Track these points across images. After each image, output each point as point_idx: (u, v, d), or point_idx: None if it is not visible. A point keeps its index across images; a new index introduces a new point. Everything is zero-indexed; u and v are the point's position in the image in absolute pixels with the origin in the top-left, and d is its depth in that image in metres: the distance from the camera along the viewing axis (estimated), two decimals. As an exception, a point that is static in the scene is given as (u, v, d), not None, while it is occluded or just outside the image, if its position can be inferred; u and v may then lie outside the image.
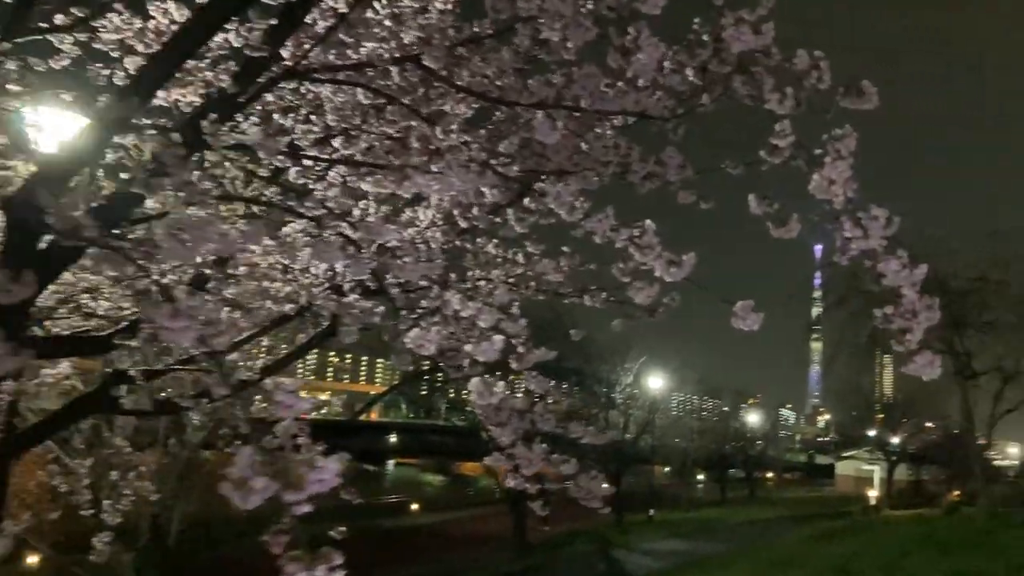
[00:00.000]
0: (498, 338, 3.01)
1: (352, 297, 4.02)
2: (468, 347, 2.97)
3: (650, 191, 3.06)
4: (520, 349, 3.49)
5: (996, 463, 65.26)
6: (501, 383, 2.98)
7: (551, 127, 2.75)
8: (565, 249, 4.22)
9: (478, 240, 4.82)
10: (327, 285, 4.38)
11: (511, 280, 5.00)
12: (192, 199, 2.35)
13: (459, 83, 3.18)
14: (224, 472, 1.57)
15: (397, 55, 3.24)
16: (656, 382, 48.05)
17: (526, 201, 3.21)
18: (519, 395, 3.59)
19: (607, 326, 3.86)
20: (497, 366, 3.26)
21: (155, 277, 1.71)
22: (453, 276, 4.05)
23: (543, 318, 22.21)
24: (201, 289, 4.35)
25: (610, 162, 3.07)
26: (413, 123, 3.24)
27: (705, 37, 2.70)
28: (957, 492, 47.94)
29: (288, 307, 5.03)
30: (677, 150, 3.00)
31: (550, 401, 3.66)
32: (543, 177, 3.14)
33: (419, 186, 2.91)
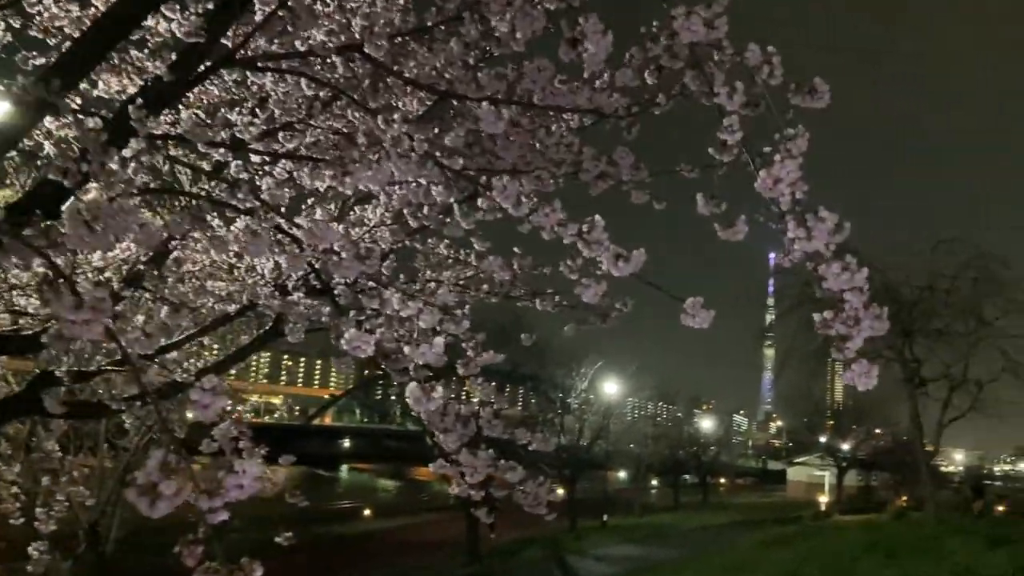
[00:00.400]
0: (439, 340, 2.89)
1: (296, 295, 3.89)
2: (407, 350, 2.85)
3: (603, 190, 2.98)
4: (469, 353, 3.38)
5: (943, 469, 66.58)
6: (441, 389, 2.86)
7: (496, 116, 2.66)
8: (516, 250, 4.12)
9: (429, 241, 4.72)
10: (272, 284, 4.25)
11: (462, 282, 4.91)
12: (114, 189, 2.22)
13: (406, 75, 3.08)
14: (131, 477, 1.45)
15: (342, 45, 3.12)
16: (611, 387, 48.16)
17: (479, 201, 3.10)
18: (474, 400, 3.49)
19: (562, 331, 3.78)
20: (445, 370, 3.15)
21: (58, 263, 1.58)
22: (402, 276, 3.94)
23: (497, 322, 22.22)
24: (136, 286, 4.20)
25: (564, 161, 2.98)
26: (358, 115, 3.14)
27: (662, 38, 2.63)
28: (905, 498, 48.73)
29: (232, 308, 4.89)
30: (631, 150, 2.93)
31: (504, 407, 3.56)
32: (496, 176, 3.04)
33: (360, 180, 2.79)
